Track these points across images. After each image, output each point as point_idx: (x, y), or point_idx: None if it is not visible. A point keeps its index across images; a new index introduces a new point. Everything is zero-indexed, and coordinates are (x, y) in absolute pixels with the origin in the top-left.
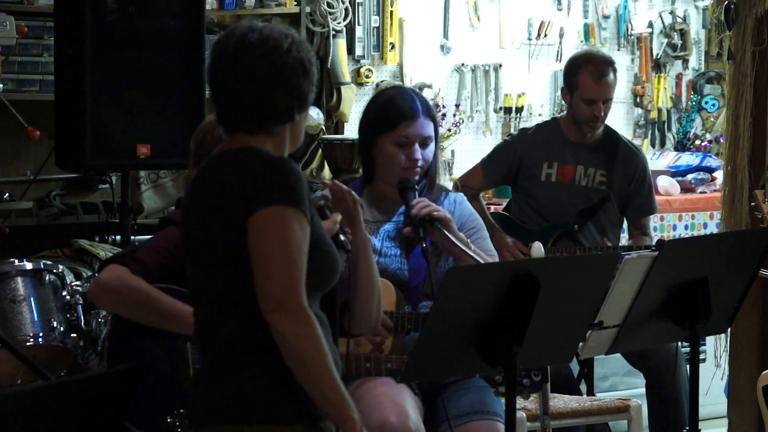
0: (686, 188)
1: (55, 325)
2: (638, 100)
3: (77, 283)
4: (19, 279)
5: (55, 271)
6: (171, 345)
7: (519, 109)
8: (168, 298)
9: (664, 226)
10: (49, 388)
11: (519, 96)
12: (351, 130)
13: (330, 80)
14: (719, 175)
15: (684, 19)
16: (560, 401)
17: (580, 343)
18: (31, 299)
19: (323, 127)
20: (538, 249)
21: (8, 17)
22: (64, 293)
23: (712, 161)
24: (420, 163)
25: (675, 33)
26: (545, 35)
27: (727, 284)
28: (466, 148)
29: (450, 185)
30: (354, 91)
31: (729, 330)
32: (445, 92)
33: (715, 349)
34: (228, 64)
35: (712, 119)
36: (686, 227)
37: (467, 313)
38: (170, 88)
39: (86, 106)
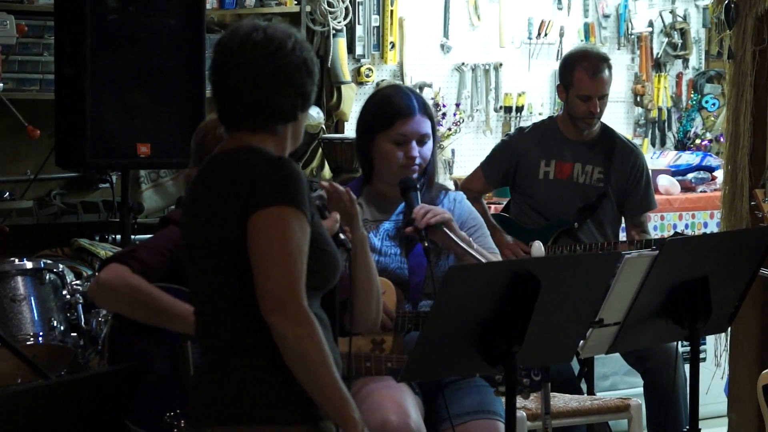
0: (686, 187)
1: (55, 324)
2: (638, 99)
3: (77, 282)
4: (19, 278)
5: (55, 270)
6: (171, 344)
7: (519, 109)
8: (168, 297)
9: (664, 225)
10: (50, 388)
11: (519, 95)
12: (351, 130)
13: (330, 79)
14: (719, 175)
15: (684, 18)
16: (560, 400)
17: (581, 342)
18: (32, 298)
19: (323, 127)
20: (538, 248)
21: (8, 16)
22: (64, 292)
23: (712, 160)
24: (417, 161)
25: (675, 32)
26: (545, 34)
27: (728, 283)
28: (467, 147)
29: (451, 184)
30: (354, 91)
31: (729, 329)
32: (446, 91)
33: (716, 348)
34: (232, 63)
35: (713, 118)
36: (686, 226)
37: (467, 312)
38: (170, 88)
39: (86, 105)
